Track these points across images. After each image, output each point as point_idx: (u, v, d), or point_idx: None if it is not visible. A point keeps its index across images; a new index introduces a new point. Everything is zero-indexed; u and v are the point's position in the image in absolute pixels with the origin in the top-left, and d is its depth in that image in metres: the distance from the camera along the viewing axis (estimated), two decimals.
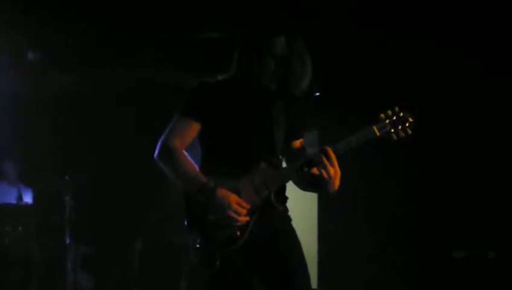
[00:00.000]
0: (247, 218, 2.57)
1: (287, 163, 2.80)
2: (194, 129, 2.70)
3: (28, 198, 6.77)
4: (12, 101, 7.08)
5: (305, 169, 2.65)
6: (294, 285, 2.63)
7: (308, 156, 2.68)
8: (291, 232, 2.76)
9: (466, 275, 5.57)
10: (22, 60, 6.56)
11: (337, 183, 2.64)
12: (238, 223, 2.56)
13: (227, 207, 2.53)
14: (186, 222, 2.65)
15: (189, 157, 2.67)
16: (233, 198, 2.56)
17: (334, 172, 2.61)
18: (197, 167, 2.68)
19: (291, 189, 2.89)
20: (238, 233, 2.58)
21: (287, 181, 2.73)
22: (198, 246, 2.62)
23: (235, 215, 2.54)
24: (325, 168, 2.60)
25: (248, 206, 2.58)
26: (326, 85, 5.34)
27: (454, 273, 5.69)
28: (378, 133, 2.68)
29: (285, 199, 2.76)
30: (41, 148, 7.23)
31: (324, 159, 2.60)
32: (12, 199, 6.58)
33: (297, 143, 2.87)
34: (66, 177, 6.36)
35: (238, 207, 2.55)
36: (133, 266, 6.51)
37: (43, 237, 6.31)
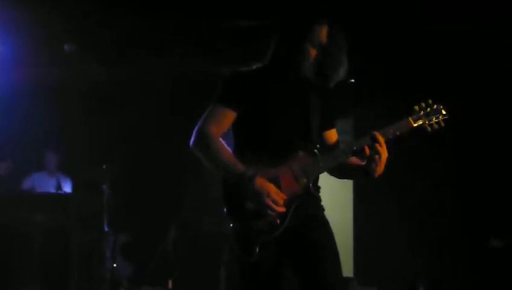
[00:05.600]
0: (284, 209, 2.57)
1: (320, 153, 2.77)
2: (229, 118, 2.70)
3: (66, 187, 6.90)
4: (52, 93, 7.20)
5: (357, 152, 2.68)
6: (326, 278, 2.62)
7: (359, 141, 2.69)
8: (325, 222, 2.76)
9: (503, 264, 5.51)
10: (59, 52, 6.64)
11: (383, 167, 2.67)
12: (275, 213, 2.55)
13: (266, 196, 2.53)
14: (225, 210, 2.65)
15: (225, 145, 2.67)
16: (271, 187, 2.55)
17: (384, 156, 2.64)
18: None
19: (327, 178, 2.90)
20: (278, 221, 2.58)
21: (326, 169, 2.74)
22: (238, 233, 2.63)
23: (272, 205, 2.53)
24: (377, 152, 2.62)
25: (285, 196, 2.58)
26: (362, 73, 5.31)
27: (490, 262, 5.62)
28: (413, 124, 2.76)
29: (319, 188, 2.76)
30: (78, 138, 7.36)
31: (377, 144, 2.63)
32: (51, 188, 6.71)
33: (330, 133, 2.88)
34: (103, 167, 6.45)
35: (276, 196, 2.55)
36: (168, 253, 6.56)
37: (82, 225, 6.40)
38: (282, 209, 2.56)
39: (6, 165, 5.05)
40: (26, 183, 6.88)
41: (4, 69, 6.35)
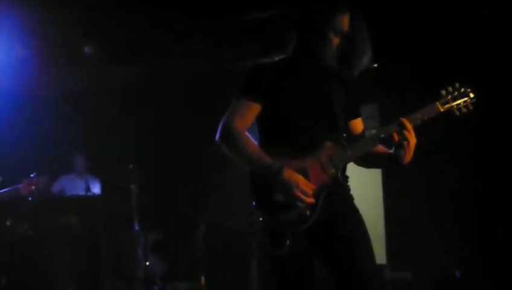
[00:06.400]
0: (313, 199, 2.54)
1: (346, 142, 2.75)
2: (254, 111, 2.70)
3: (95, 189, 6.94)
4: (76, 96, 7.26)
5: (385, 140, 2.65)
6: (360, 266, 2.60)
7: (387, 128, 2.66)
8: (355, 211, 2.74)
9: None
10: (81, 55, 6.67)
11: (412, 153, 2.64)
12: (304, 204, 2.53)
13: (295, 187, 2.50)
14: (254, 203, 2.63)
15: (251, 138, 2.66)
16: (300, 178, 2.53)
17: (413, 142, 2.61)
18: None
19: (356, 166, 2.87)
20: (308, 212, 2.57)
21: (354, 158, 2.71)
22: (268, 227, 2.61)
23: (302, 196, 2.51)
24: (406, 139, 2.59)
25: (314, 187, 2.56)
26: (387, 57, 5.24)
27: None
28: (441, 109, 2.73)
29: (347, 177, 2.74)
30: (105, 139, 7.42)
31: (405, 131, 2.60)
32: (80, 190, 6.76)
33: (356, 122, 2.86)
34: (131, 167, 6.47)
35: (305, 187, 2.52)
36: (199, 249, 6.57)
37: (112, 225, 6.44)
38: (311, 200, 2.54)
39: (45, 179, 5.21)
40: (56, 186, 6.94)
41: (27, 73, 6.40)
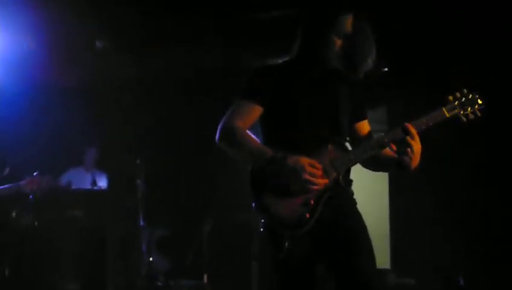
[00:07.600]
0: (325, 180, 2.52)
1: (351, 145, 2.74)
2: (255, 113, 2.67)
3: (102, 183, 6.95)
4: (86, 89, 7.26)
5: (389, 146, 2.63)
6: (361, 271, 2.57)
7: (391, 133, 2.64)
8: (357, 215, 2.71)
9: None
10: (91, 49, 6.67)
11: (418, 159, 2.61)
12: (316, 186, 2.50)
13: (303, 171, 2.48)
14: (253, 205, 2.60)
15: (253, 135, 2.64)
16: (305, 161, 2.51)
17: (417, 148, 2.58)
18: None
19: (363, 170, 2.85)
20: (308, 215, 2.54)
21: (356, 162, 2.68)
22: (267, 228, 2.59)
23: (311, 178, 2.49)
24: (409, 146, 2.57)
25: (321, 167, 2.53)
26: (395, 61, 5.23)
27: None
28: (447, 115, 2.70)
29: (351, 181, 2.71)
30: (113, 134, 7.42)
31: (409, 137, 2.58)
32: (87, 184, 6.77)
33: (362, 125, 2.83)
34: (137, 162, 6.47)
35: (313, 169, 2.50)
36: (203, 246, 6.57)
37: (118, 220, 6.44)
38: (322, 180, 2.51)
39: (47, 179, 5.27)
40: (63, 179, 6.95)
41: (37, 67, 6.41)
